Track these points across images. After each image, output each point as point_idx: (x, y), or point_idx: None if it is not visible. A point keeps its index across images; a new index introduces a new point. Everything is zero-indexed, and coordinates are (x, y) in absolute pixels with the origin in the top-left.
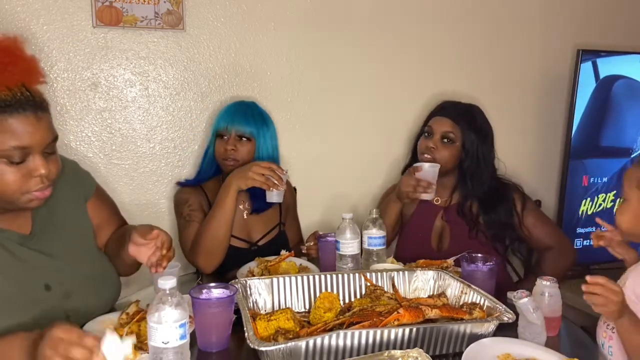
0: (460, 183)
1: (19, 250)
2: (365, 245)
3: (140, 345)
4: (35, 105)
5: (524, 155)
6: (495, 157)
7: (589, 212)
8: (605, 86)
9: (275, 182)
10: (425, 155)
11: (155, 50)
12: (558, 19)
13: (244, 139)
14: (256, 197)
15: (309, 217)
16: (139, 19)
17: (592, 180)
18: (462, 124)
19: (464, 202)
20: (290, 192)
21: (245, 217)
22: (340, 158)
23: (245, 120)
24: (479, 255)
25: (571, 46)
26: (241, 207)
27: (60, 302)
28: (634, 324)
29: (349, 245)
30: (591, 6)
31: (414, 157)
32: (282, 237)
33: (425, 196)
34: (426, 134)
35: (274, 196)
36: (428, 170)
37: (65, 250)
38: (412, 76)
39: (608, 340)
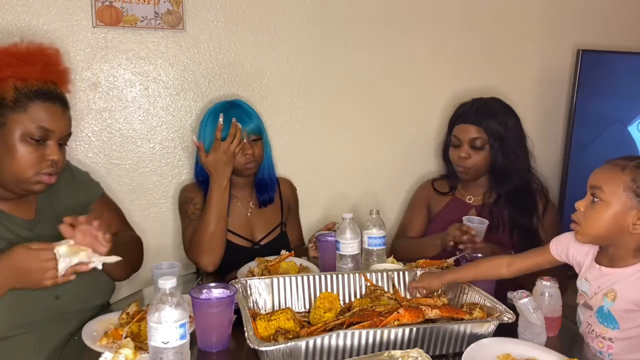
0: (494, 182)
1: (24, 233)
2: (365, 245)
3: (140, 345)
4: (63, 100)
5: None
6: (526, 140)
7: None
8: None
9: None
10: (460, 167)
11: (155, 50)
12: (558, 19)
13: (255, 139)
14: (261, 191)
15: (309, 217)
16: (139, 19)
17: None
18: (484, 125)
19: (498, 201)
20: (292, 192)
21: (249, 215)
22: (340, 158)
23: (250, 121)
24: (479, 255)
25: (571, 46)
26: (240, 204)
27: None
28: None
29: (349, 245)
30: (591, 6)
31: (448, 166)
32: (283, 238)
33: (468, 250)
34: (455, 144)
35: None
36: (477, 227)
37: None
38: (412, 76)
39: (607, 349)
